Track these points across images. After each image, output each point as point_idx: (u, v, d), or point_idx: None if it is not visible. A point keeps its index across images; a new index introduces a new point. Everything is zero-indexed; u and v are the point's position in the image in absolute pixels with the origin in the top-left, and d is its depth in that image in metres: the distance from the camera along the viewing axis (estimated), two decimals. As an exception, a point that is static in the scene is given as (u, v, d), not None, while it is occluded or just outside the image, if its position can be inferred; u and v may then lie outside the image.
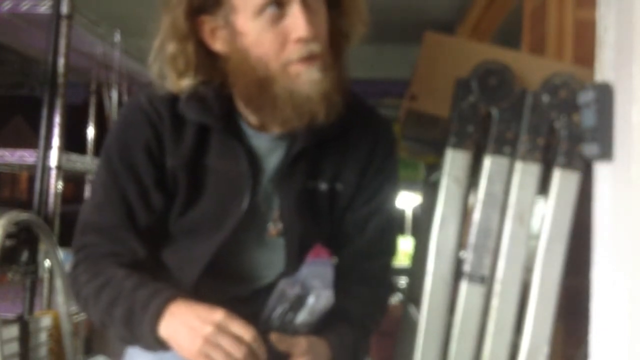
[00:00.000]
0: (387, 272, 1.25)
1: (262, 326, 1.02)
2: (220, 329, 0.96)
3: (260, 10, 0.99)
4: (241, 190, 1.09)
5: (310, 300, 1.04)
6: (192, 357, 0.96)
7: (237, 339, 0.95)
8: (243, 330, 0.96)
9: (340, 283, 1.08)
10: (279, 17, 0.99)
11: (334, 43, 1.06)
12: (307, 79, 1.01)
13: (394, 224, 1.24)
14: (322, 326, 1.06)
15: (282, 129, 1.10)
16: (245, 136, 1.11)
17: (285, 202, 1.12)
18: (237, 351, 0.94)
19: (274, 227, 1.13)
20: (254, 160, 1.10)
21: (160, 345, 1.00)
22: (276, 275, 1.11)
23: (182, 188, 1.11)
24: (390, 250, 1.24)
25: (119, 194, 1.10)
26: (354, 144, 1.14)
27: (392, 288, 1.31)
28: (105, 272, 1.07)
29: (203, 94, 1.07)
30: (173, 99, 1.09)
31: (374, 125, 1.17)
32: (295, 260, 1.10)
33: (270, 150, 1.11)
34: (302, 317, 1.04)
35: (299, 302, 1.04)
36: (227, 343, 0.95)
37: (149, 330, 0.99)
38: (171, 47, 1.05)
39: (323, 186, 1.13)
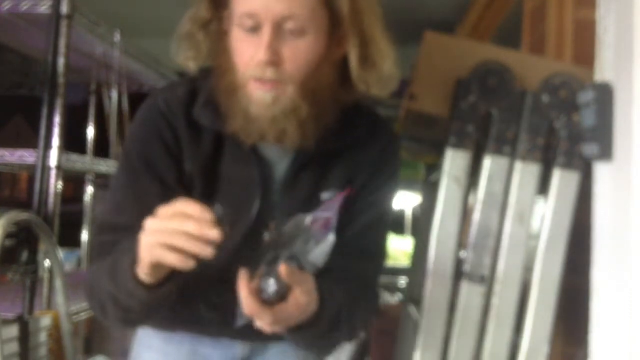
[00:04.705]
0: (371, 277, 1.20)
1: (274, 250, 0.98)
2: (167, 217, 0.89)
3: (238, 22, 1.03)
4: (252, 197, 1.10)
5: (330, 237, 1.00)
6: (145, 256, 0.91)
7: (186, 216, 0.89)
8: (192, 208, 0.89)
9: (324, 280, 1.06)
10: (254, 33, 1.02)
11: (326, 68, 1.06)
12: (258, 100, 1.03)
13: (382, 227, 1.21)
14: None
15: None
16: (257, 144, 1.11)
17: (288, 212, 1.12)
18: (186, 226, 0.87)
19: (268, 237, 1.13)
20: (264, 168, 1.11)
21: (139, 285, 0.95)
22: None
23: (197, 193, 1.11)
24: (374, 251, 1.20)
25: (137, 194, 1.10)
26: (363, 153, 1.15)
27: (376, 296, 1.26)
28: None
29: (217, 102, 1.08)
30: (188, 104, 1.11)
31: (381, 136, 1.19)
32: None
33: (279, 159, 1.12)
34: (316, 253, 1.00)
35: (317, 237, 1.00)
36: (173, 223, 0.88)
37: (128, 270, 0.95)
38: (189, 27, 1.09)
39: (330, 196, 1.14)
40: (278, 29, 1.00)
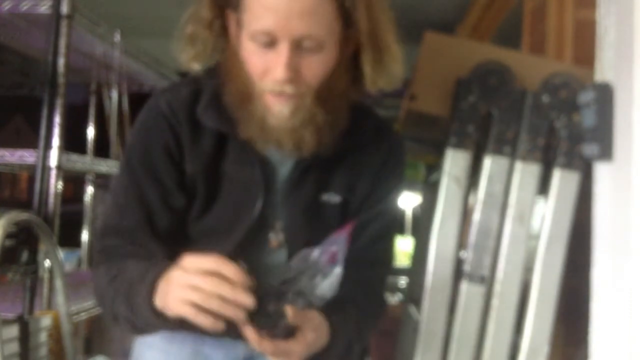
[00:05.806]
0: (380, 284, 1.22)
1: (280, 288, 0.99)
2: (200, 272, 0.91)
3: (252, 37, 1.02)
4: (253, 197, 1.11)
5: (337, 270, 1.00)
6: (174, 308, 0.92)
7: (225, 278, 0.90)
8: (227, 269, 0.90)
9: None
10: (269, 47, 1.01)
11: (339, 72, 1.06)
12: (277, 112, 1.03)
13: (391, 235, 1.23)
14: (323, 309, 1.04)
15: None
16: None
17: (291, 213, 1.12)
18: (221, 289, 0.89)
19: (275, 238, 1.13)
20: (266, 168, 1.12)
21: (157, 316, 0.97)
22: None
23: (200, 193, 1.12)
24: (384, 259, 1.22)
25: (139, 197, 1.11)
26: (367, 157, 1.16)
27: (384, 303, 1.27)
28: (120, 264, 1.07)
29: (221, 102, 1.08)
30: (191, 104, 1.11)
31: (386, 140, 1.19)
32: None
33: (281, 160, 1.12)
34: (324, 287, 1.00)
35: (324, 271, 1.00)
36: (207, 283, 0.89)
37: (145, 301, 0.97)
38: (193, 28, 1.09)
39: (335, 198, 1.14)
40: (296, 46, 0.99)
